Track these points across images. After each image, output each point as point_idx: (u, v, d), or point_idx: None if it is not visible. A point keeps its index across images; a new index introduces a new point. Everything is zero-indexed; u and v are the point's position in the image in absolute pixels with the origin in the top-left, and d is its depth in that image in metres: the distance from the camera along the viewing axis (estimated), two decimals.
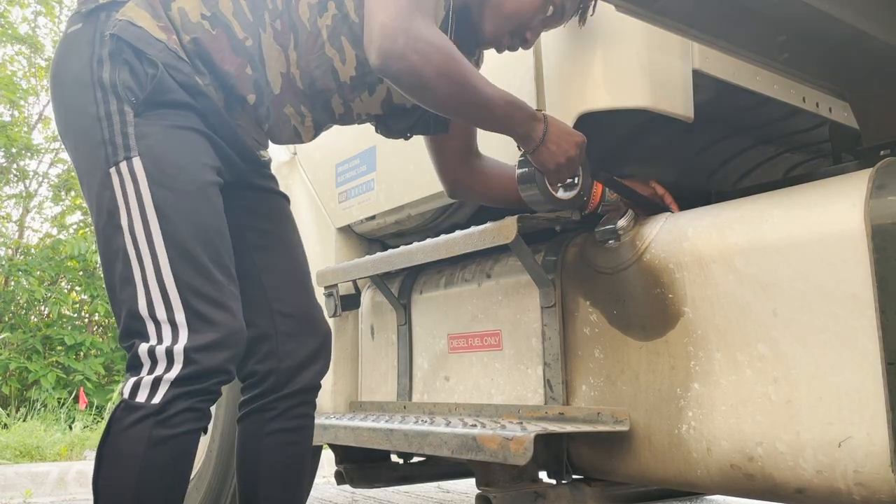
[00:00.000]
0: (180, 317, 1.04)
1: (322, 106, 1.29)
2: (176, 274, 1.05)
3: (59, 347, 6.59)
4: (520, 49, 1.36)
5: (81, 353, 6.56)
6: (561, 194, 1.36)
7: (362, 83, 1.27)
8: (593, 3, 1.35)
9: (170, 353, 1.03)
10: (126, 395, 1.05)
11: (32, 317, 7.52)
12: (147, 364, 1.04)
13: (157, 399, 1.02)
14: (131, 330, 1.07)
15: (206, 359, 1.05)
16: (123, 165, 1.07)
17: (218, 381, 1.08)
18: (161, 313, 1.05)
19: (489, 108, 1.19)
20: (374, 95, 1.29)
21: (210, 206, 1.12)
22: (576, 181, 1.38)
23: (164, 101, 1.10)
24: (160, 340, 1.04)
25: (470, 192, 1.55)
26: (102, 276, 1.13)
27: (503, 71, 1.59)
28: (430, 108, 1.23)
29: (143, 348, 1.04)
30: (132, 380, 1.04)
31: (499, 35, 1.31)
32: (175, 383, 1.03)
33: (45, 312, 7.21)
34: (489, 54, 1.58)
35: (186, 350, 1.04)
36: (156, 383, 1.03)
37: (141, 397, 1.02)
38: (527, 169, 1.31)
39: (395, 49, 1.08)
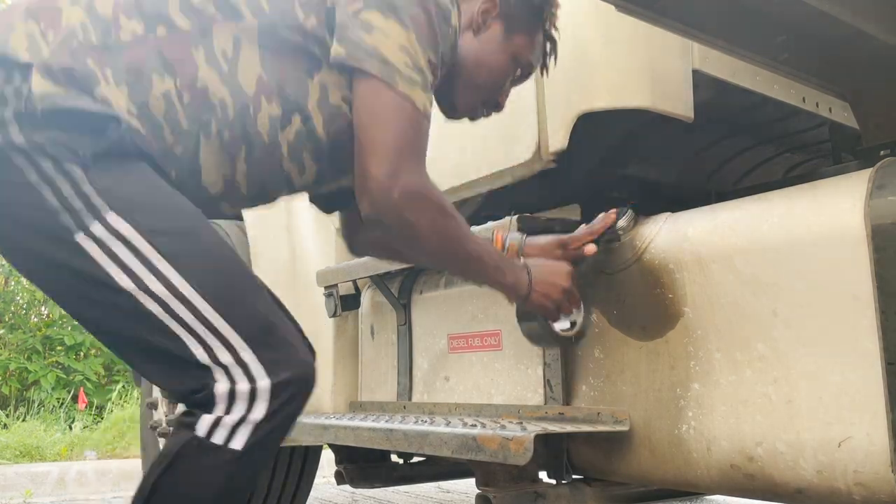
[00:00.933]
0: (249, 356, 0.97)
1: (263, 200, 1.22)
2: (223, 314, 0.97)
3: (58, 347, 6.59)
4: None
5: (81, 353, 6.56)
6: (560, 326, 1.36)
7: (317, 185, 1.22)
8: (554, 55, 1.35)
9: (252, 394, 0.96)
10: (201, 434, 0.96)
11: (32, 317, 7.52)
12: (224, 404, 0.96)
13: (238, 444, 0.95)
14: (195, 382, 0.98)
15: (287, 399, 0.99)
16: (97, 227, 0.93)
17: (294, 420, 1.02)
18: (226, 357, 0.97)
19: (475, 262, 1.19)
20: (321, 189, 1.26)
21: (214, 236, 1.03)
22: (578, 312, 1.36)
23: (117, 151, 0.97)
24: (235, 382, 0.97)
25: (371, 250, 1.52)
26: (96, 337, 1.04)
27: None
28: (415, 256, 1.22)
29: (220, 388, 0.96)
30: (208, 418, 0.96)
31: (473, 106, 1.33)
32: (258, 426, 0.96)
33: (45, 313, 7.21)
34: None
35: (269, 390, 0.97)
36: (237, 425, 0.96)
37: (219, 438, 0.95)
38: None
39: (389, 204, 1.06)
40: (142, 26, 1.01)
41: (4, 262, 7.41)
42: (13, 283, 7.16)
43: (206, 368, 0.97)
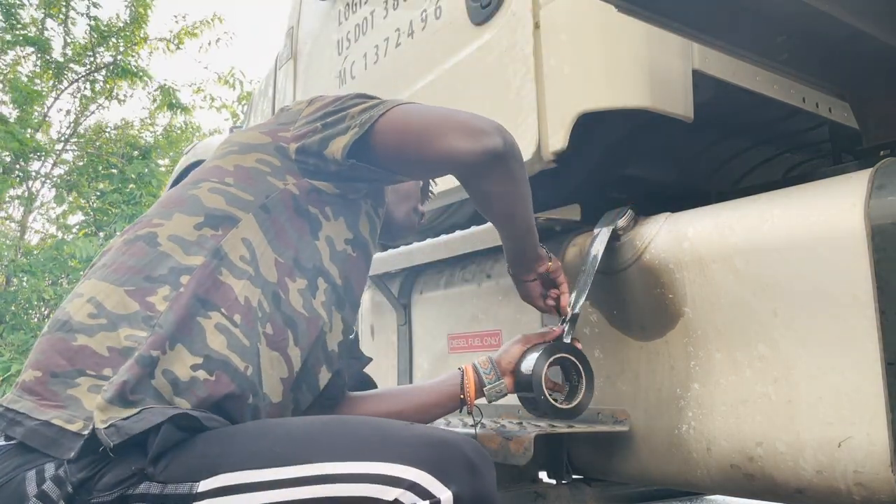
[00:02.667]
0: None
1: (313, 385, 1.18)
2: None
3: None
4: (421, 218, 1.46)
5: None
6: (561, 404, 1.26)
7: (345, 348, 1.22)
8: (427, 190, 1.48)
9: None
10: None
11: (34, 317, 7.53)
12: None
13: None
14: None
15: None
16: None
17: None
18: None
19: (528, 214, 1.24)
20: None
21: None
22: (578, 386, 1.27)
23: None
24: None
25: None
26: None
27: (503, 71, 1.59)
28: (486, 200, 1.21)
29: None
30: None
31: (408, 215, 1.40)
32: None
33: (46, 313, 7.22)
34: (488, 56, 1.58)
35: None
36: None
37: None
38: (527, 375, 1.25)
39: (495, 154, 1.10)
40: (167, 287, 0.99)
41: (5, 261, 7.43)
42: (15, 283, 7.18)
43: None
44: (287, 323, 1.08)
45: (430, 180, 1.48)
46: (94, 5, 8.91)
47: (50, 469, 0.89)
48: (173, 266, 1.02)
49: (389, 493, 0.84)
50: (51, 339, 0.98)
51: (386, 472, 0.85)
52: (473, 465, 0.88)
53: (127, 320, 0.96)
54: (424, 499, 0.84)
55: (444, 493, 0.84)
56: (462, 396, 1.28)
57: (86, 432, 0.88)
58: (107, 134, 9.54)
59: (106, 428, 0.87)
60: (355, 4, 2.16)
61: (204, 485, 0.87)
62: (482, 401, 1.30)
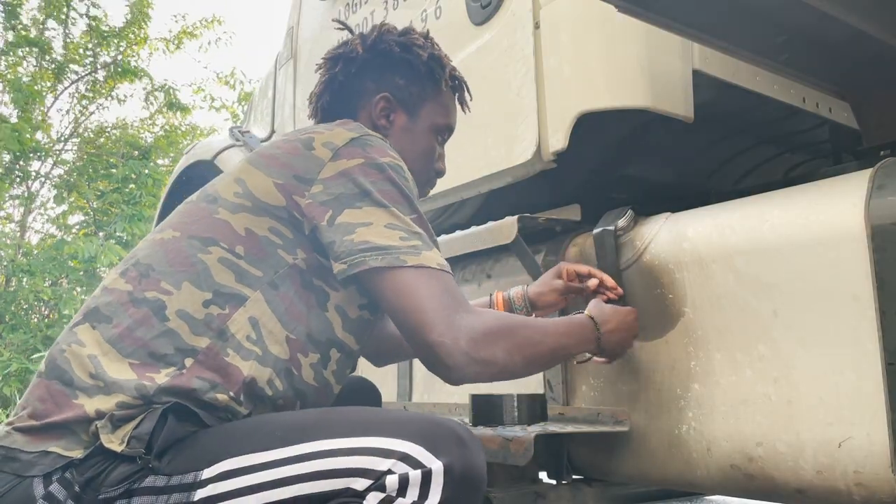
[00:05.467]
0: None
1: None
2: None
3: None
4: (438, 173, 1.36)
5: None
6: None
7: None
8: (466, 90, 1.34)
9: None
10: None
11: (33, 317, 7.53)
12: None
13: None
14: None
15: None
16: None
17: None
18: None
19: (560, 350, 1.16)
20: None
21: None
22: None
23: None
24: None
25: (394, 356, 1.53)
26: None
27: (503, 71, 1.59)
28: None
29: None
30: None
31: (419, 189, 1.31)
32: None
33: (46, 313, 7.22)
34: (488, 56, 1.59)
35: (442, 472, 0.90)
36: None
37: None
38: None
39: (464, 359, 1.01)
40: (172, 368, 1.00)
41: (5, 261, 7.42)
42: (15, 283, 7.17)
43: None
44: (297, 395, 1.09)
45: (444, 146, 1.36)
46: (94, 5, 8.92)
47: (57, 472, 0.92)
48: (179, 346, 1.01)
49: (382, 463, 0.87)
50: (50, 387, 0.99)
51: (379, 445, 0.89)
52: (462, 439, 0.91)
53: (122, 390, 0.98)
54: (416, 469, 0.87)
55: (435, 464, 0.87)
56: None
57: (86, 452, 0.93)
58: (108, 134, 9.55)
59: (128, 445, 0.92)
60: (355, 4, 2.16)
61: (207, 472, 0.92)
62: None
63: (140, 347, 1.00)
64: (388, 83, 1.27)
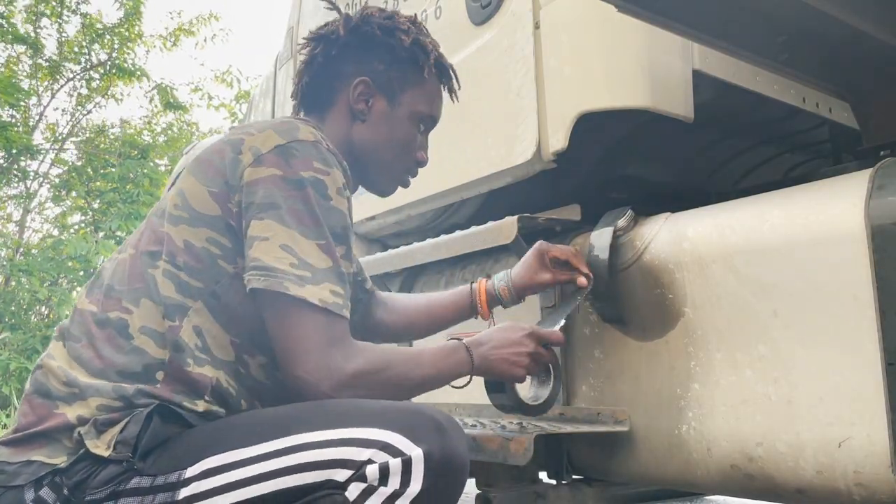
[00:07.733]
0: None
1: None
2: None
3: None
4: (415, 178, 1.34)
5: None
6: (532, 394, 1.29)
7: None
8: (453, 77, 1.32)
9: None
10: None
11: (33, 317, 7.53)
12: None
13: None
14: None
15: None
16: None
17: None
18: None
19: (432, 379, 1.14)
20: None
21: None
22: (548, 380, 1.30)
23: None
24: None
25: (395, 334, 1.51)
26: None
27: (503, 72, 1.59)
28: None
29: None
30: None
31: (398, 177, 1.31)
32: None
33: (45, 313, 7.22)
34: (488, 56, 1.58)
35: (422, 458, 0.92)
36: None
37: None
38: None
39: (333, 394, 1.02)
40: (144, 385, 1.01)
41: (3, 261, 7.41)
42: (14, 283, 7.17)
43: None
44: (252, 394, 1.11)
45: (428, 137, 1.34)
46: (84, 1, 8.87)
47: (47, 478, 0.94)
48: (148, 363, 1.03)
49: (363, 453, 0.89)
50: (31, 402, 1.02)
51: (358, 435, 0.90)
52: (441, 426, 0.92)
53: (100, 393, 1.00)
54: (396, 457, 0.88)
55: (415, 451, 0.88)
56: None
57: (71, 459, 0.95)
58: (107, 133, 9.54)
59: (114, 450, 0.95)
60: (355, 4, 2.16)
61: (190, 471, 0.94)
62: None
63: (108, 367, 1.02)
64: (367, 67, 1.24)
